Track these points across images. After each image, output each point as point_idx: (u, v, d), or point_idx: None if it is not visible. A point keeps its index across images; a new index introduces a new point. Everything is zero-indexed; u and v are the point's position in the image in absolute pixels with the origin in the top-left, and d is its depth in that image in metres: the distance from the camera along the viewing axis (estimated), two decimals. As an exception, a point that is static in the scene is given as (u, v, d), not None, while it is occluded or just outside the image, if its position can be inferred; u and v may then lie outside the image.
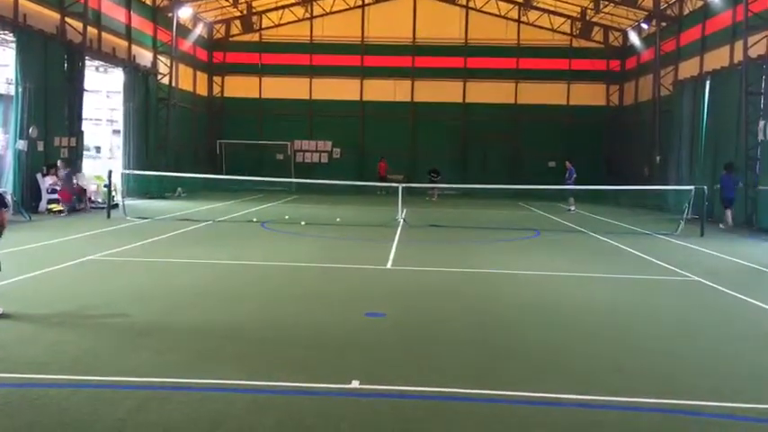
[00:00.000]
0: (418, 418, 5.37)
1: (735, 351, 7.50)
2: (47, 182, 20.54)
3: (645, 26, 32.99)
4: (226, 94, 39.88)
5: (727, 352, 7.45)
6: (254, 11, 38.07)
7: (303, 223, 19.38)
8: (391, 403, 5.63)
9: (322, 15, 38.79)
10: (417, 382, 6.05)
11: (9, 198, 18.22)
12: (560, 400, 5.73)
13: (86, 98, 24.64)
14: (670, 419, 5.43)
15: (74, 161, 22.67)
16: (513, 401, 5.69)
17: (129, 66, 27.60)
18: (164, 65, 31.37)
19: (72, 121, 23.14)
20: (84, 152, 26.00)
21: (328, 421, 5.24)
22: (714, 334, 8.31)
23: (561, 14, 37.20)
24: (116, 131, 29.73)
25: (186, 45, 34.58)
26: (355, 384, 5.92)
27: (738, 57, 23.09)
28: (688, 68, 28.64)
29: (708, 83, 25.50)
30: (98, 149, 32.38)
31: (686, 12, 29.34)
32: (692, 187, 20.35)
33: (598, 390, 6.03)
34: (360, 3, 38.70)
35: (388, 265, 12.67)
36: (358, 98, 39.08)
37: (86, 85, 24.21)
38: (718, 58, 25.49)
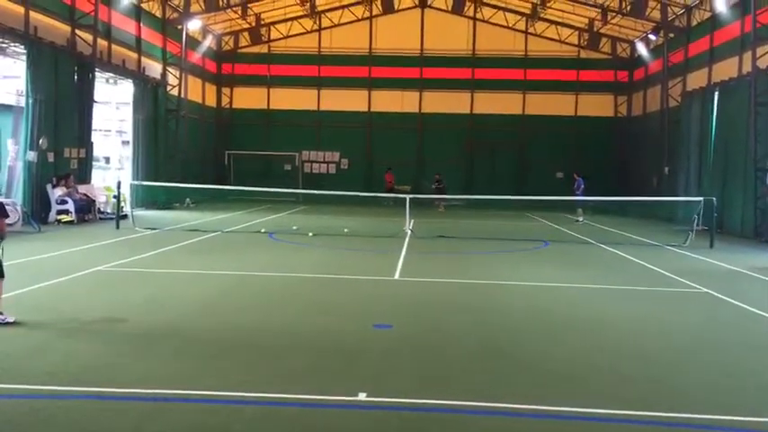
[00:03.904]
0: (426, 431, 5.35)
1: (745, 364, 7.45)
2: (56, 193, 20.64)
3: (653, 37, 33.00)
4: (234, 106, 40.05)
5: (737, 365, 7.40)
6: (262, 23, 38.25)
7: (311, 234, 19.39)
8: (399, 416, 5.61)
9: (330, 27, 38.96)
10: (425, 395, 6.03)
11: (18, 208, 18.34)
12: (569, 413, 5.70)
13: (96, 109, 24.77)
14: (680, 433, 5.40)
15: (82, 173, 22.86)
16: (521, 414, 5.66)
17: (139, 77, 27.77)
18: (173, 76, 31.56)
19: (82, 133, 23.25)
20: (94, 163, 26.14)
21: (335, 433, 5.23)
22: (724, 347, 8.25)
23: (569, 26, 37.23)
24: (125, 142, 29.90)
25: (195, 57, 34.78)
26: (362, 397, 5.91)
27: (747, 67, 23.03)
28: (696, 79, 28.59)
29: (716, 94, 25.43)
30: (107, 160, 32.57)
31: (694, 23, 29.30)
32: (700, 198, 20.26)
33: (607, 403, 5.99)
34: (368, 15, 38.86)
35: (396, 276, 12.65)
36: (366, 109, 39.15)
37: (96, 96, 24.34)
38: (726, 69, 25.43)
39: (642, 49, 34.94)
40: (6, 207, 8.81)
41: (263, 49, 39.45)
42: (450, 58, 38.51)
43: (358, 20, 38.85)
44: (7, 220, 8.51)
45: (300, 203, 33.21)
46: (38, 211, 19.92)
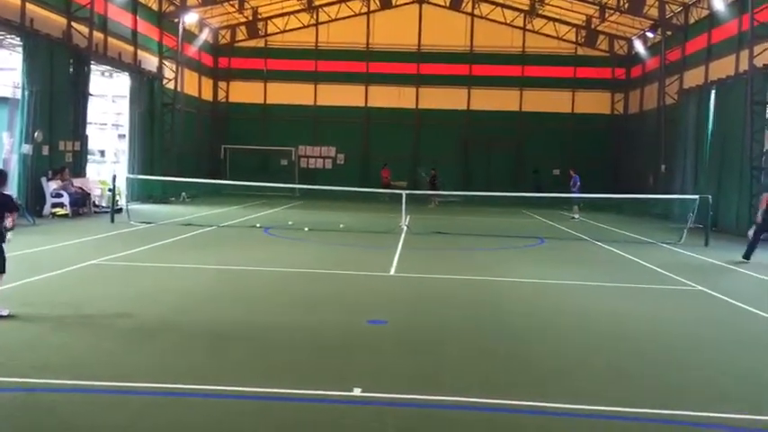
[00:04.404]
0: (420, 427, 5.34)
1: (740, 361, 7.47)
2: (51, 186, 20.57)
3: (650, 35, 32.99)
4: (231, 100, 39.94)
5: (732, 362, 7.41)
6: (259, 17, 38.16)
7: (306, 229, 19.38)
8: (393, 411, 5.60)
9: (327, 22, 38.87)
10: (420, 391, 6.03)
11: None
12: (566, 410, 5.70)
13: (92, 102, 24.70)
14: (676, 430, 5.40)
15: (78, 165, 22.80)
16: (516, 411, 5.66)
17: (135, 71, 27.66)
18: (169, 70, 31.45)
19: (77, 126, 23.19)
20: (89, 156, 26.05)
21: (329, 429, 5.22)
22: (719, 344, 8.26)
23: (566, 23, 37.22)
24: (121, 136, 29.80)
25: (192, 50, 34.63)
26: (357, 392, 5.90)
27: (744, 66, 23.05)
28: (693, 77, 28.61)
29: (713, 92, 25.46)
30: (103, 154, 32.47)
31: (692, 21, 29.30)
32: (696, 196, 20.29)
33: (603, 400, 6.00)
34: (365, 10, 38.78)
35: (392, 272, 12.65)
36: (363, 104, 39.09)
37: (92, 89, 24.26)
38: (723, 68, 25.45)
39: (639, 47, 34.94)
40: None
41: (259, 43, 39.35)
42: (448, 54, 38.47)
43: (355, 15, 38.77)
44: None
45: (296, 198, 33.17)
46: (32, 205, 19.86)
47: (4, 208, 8.32)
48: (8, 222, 8.36)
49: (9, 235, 8.45)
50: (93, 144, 27.45)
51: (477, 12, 38.37)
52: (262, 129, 38.89)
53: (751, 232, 15.97)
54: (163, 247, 14.85)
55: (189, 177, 27.22)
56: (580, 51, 38.41)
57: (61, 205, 20.43)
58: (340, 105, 38.69)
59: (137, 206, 24.10)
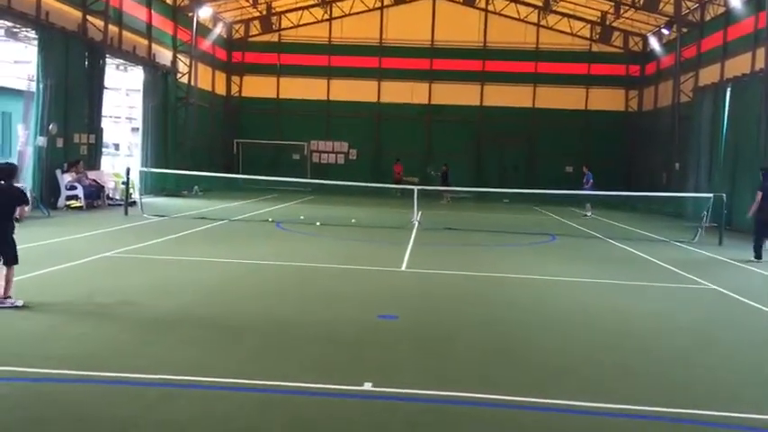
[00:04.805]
0: (429, 422, 5.36)
1: (751, 361, 7.43)
2: (66, 178, 20.74)
3: (665, 32, 32.71)
4: (244, 94, 40.00)
5: (743, 361, 7.39)
6: (273, 11, 38.19)
7: (318, 224, 19.42)
8: (403, 406, 5.62)
9: (341, 17, 38.85)
10: (429, 386, 6.04)
11: (28, 194, 18.43)
12: (572, 407, 5.70)
13: (106, 96, 24.84)
14: (682, 429, 5.39)
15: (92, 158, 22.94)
16: (525, 407, 5.67)
17: (149, 64, 27.79)
18: (183, 64, 31.57)
19: (91, 119, 23.34)
20: (103, 149, 26.23)
21: (339, 423, 5.25)
22: (730, 343, 8.22)
23: (581, 19, 36.97)
24: (135, 129, 29.97)
25: (205, 44, 34.75)
26: (368, 386, 5.93)
27: (760, 64, 22.84)
28: (708, 75, 28.38)
29: (728, 90, 25.25)
30: (117, 147, 32.67)
31: (708, 18, 29.06)
32: (710, 195, 20.15)
33: (611, 397, 5.99)
34: (379, 5, 38.70)
35: (403, 268, 12.67)
36: (375, 100, 39.07)
37: (106, 82, 24.40)
38: (739, 65, 25.23)
39: (654, 44, 34.67)
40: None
41: (273, 37, 39.38)
42: (461, 49, 38.33)
43: (369, 10, 38.69)
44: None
45: (308, 193, 33.23)
46: (47, 197, 20.03)
47: (16, 201, 8.47)
48: (18, 214, 8.49)
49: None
50: (107, 137, 27.62)
51: (490, 7, 38.19)
52: (274, 123, 38.95)
53: None
54: (176, 240, 14.94)
55: (201, 171, 27.34)
56: (594, 48, 38.16)
57: (75, 198, 20.60)
58: (353, 100, 38.68)
59: (150, 199, 24.25)
